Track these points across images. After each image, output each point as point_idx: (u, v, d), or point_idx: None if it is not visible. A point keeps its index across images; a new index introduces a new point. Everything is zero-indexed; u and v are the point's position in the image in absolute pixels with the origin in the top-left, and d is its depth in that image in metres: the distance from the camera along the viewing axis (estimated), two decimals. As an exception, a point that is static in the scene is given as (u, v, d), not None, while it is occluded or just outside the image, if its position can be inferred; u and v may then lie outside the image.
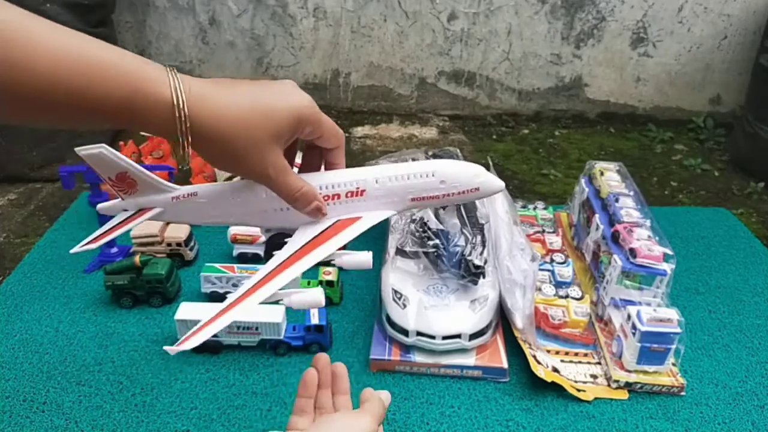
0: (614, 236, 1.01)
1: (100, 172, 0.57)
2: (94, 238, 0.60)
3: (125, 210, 0.60)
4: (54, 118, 0.44)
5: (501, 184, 0.59)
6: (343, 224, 0.55)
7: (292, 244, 0.55)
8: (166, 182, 0.59)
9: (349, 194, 0.56)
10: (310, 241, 0.55)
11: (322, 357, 0.66)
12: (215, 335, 0.94)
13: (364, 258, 0.57)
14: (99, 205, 0.62)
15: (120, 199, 0.60)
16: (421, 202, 0.57)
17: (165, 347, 0.49)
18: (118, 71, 0.43)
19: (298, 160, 0.59)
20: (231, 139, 0.47)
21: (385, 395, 0.62)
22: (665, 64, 2.02)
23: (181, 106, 0.44)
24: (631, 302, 0.95)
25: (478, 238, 0.99)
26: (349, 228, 0.55)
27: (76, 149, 0.56)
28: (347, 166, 0.58)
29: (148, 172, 0.58)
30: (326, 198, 0.56)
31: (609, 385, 0.92)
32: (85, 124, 0.46)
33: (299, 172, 0.58)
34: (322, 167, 0.58)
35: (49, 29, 0.42)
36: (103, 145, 0.56)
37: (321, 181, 0.56)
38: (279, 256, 0.55)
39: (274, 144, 0.49)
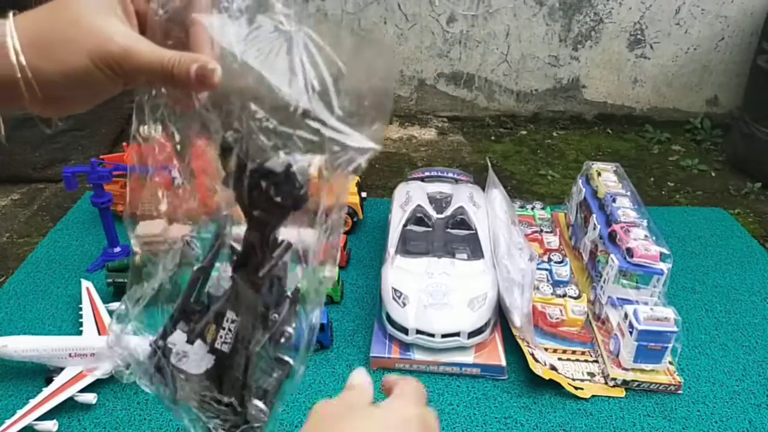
0: (611, 236, 1.02)
1: None
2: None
3: None
4: None
5: None
6: (89, 371, 0.89)
7: (62, 378, 0.88)
8: None
9: (91, 354, 0.89)
10: (71, 379, 0.88)
11: None
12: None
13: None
14: None
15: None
16: None
17: None
18: None
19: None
20: (56, 32, 0.38)
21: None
22: (662, 65, 2.03)
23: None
24: (629, 301, 0.96)
25: None
26: (92, 374, 0.89)
27: None
28: None
29: None
30: (80, 355, 0.90)
31: (606, 383, 0.93)
32: None
33: None
34: None
35: None
36: None
37: (79, 344, 0.90)
38: (56, 382, 0.88)
39: (108, 12, 0.38)
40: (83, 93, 0.40)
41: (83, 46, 0.37)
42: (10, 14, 0.38)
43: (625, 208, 1.08)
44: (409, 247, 1.07)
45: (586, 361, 0.97)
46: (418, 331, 0.94)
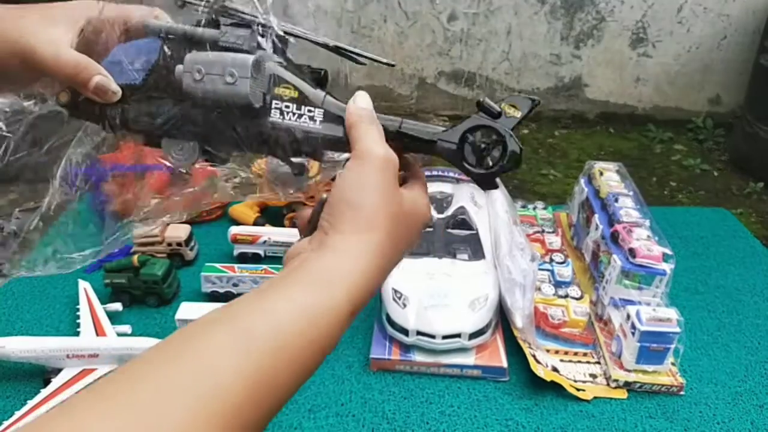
0: (613, 236, 1.02)
1: None
2: None
3: None
4: None
5: None
6: (87, 372, 0.88)
7: (60, 379, 0.87)
8: None
9: (89, 355, 0.89)
10: (69, 380, 0.87)
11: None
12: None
13: None
14: None
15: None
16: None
17: None
18: None
19: None
20: None
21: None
22: (665, 64, 2.03)
23: None
24: (631, 302, 0.96)
25: None
26: (90, 375, 0.88)
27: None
28: None
29: None
30: (78, 356, 0.88)
31: (608, 385, 0.93)
32: None
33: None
34: None
35: None
36: None
37: (77, 345, 0.89)
38: (54, 383, 0.87)
39: (45, 23, 0.47)
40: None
41: (7, 42, 0.46)
42: None
43: (628, 208, 1.07)
44: (409, 247, 1.06)
45: (588, 362, 0.97)
46: (419, 333, 0.94)
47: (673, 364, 0.94)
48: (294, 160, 0.48)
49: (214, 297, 1.07)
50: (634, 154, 1.83)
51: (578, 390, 0.91)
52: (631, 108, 2.10)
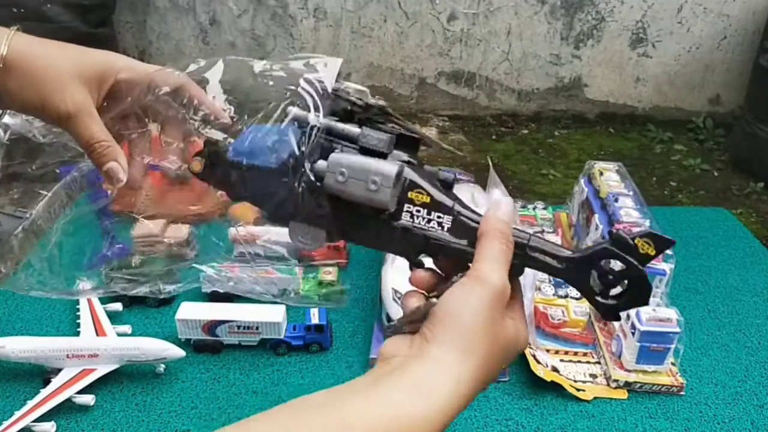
0: (613, 236, 1.02)
1: None
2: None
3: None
4: None
5: (182, 353, 0.90)
6: (87, 372, 0.88)
7: (60, 379, 0.87)
8: None
9: (89, 355, 0.89)
10: (69, 380, 0.87)
11: None
12: (216, 335, 0.95)
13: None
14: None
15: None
16: (133, 361, 0.90)
17: None
18: None
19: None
20: (32, 68, 0.47)
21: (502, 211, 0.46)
22: (665, 64, 2.03)
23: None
24: (631, 302, 0.96)
25: None
26: (90, 375, 0.88)
27: None
28: None
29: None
30: (78, 356, 0.88)
31: (608, 385, 0.93)
32: None
33: None
34: None
35: None
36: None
37: (76, 345, 0.89)
38: (54, 384, 0.87)
39: (78, 81, 0.48)
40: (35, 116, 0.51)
41: (43, 93, 0.47)
42: (12, 30, 0.47)
43: (628, 208, 1.07)
44: (409, 247, 1.06)
45: (588, 362, 0.97)
46: (419, 332, 0.94)
47: (673, 364, 0.94)
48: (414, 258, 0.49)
49: (214, 297, 1.07)
50: (634, 154, 1.83)
51: (578, 390, 0.91)
52: (631, 108, 2.10)
